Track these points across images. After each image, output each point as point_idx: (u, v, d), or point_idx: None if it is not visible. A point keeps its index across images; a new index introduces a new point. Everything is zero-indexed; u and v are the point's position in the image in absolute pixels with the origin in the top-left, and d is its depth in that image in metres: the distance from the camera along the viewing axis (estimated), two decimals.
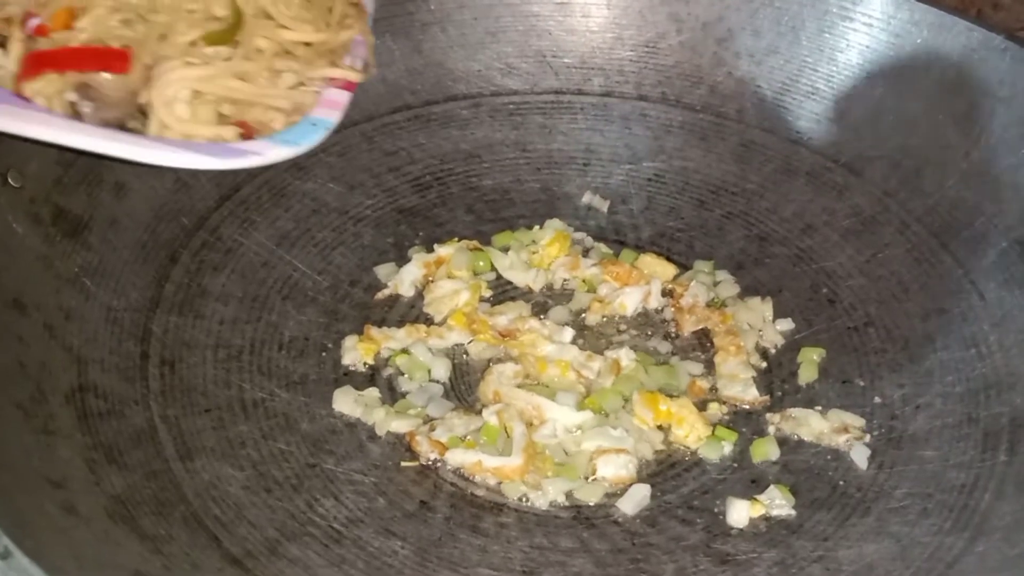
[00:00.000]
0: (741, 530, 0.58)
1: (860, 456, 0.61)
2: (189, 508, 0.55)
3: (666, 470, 0.61)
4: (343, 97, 0.60)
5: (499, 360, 0.65)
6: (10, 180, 0.63)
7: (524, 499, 0.58)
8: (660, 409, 0.62)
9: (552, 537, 0.57)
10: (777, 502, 0.58)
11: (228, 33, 0.58)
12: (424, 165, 0.80)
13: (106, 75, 0.56)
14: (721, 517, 0.58)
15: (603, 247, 0.74)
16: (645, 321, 0.69)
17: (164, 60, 0.56)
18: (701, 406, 0.64)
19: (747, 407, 0.64)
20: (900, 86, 0.78)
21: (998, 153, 0.72)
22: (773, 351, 0.68)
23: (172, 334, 0.65)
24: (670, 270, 0.73)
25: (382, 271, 0.72)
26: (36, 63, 0.56)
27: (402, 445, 0.61)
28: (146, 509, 0.54)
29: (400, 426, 0.61)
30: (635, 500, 0.59)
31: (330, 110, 0.59)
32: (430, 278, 0.71)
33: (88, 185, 0.67)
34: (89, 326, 0.61)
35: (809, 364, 0.67)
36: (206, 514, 0.55)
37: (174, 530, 0.53)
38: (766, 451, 0.62)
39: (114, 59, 0.56)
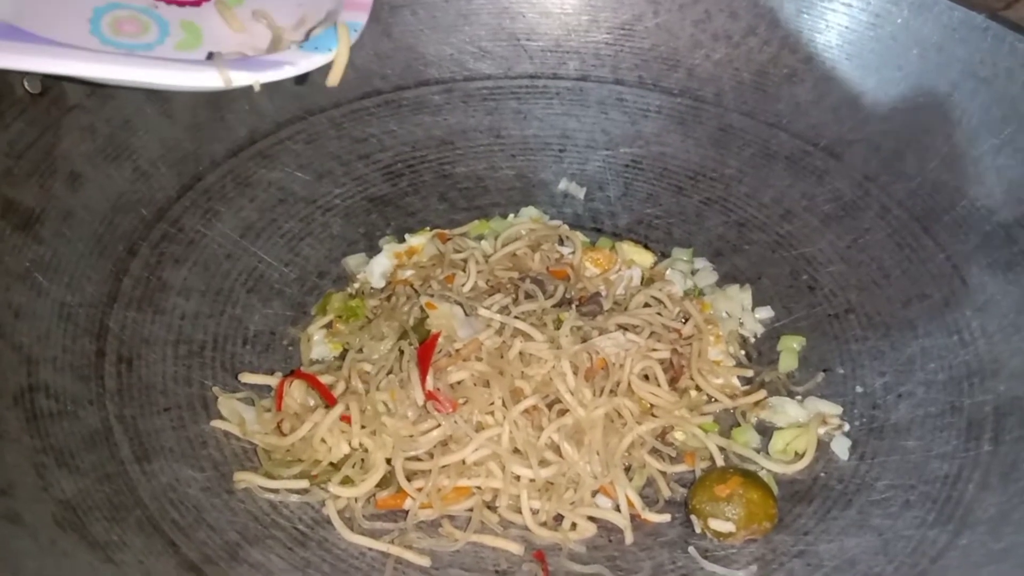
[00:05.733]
0: None
1: (841, 447, 0.60)
2: (145, 512, 0.53)
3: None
4: None
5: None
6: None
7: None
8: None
9: (528, 536, 0.55)
10: None
11: None
12: (395, 152, 0.77)
13: None
14: None
15: (580, 235, 0.72)
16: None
17: None
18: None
19: (726, 396, 0.63)
20: (880, 67, 0.76)
21: (980, 134, 0.71)
22: (753, 340, 0.67)
23: (130, 330, 0.62)
24: (648, 258, 0.71)
25: (352, 262, 0.70)
26: None
27: None
28: (98, 515, 0.52)
29: None
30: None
31: (357, 12, 0.57)
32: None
33: (40, 176, 0.64)
34: (41, 323, 0.59)
35: (789, 353, 0.66)
36: (163, 518, 0.53)
37: (128, 536, 0.51)
38: (746, 440, 0.61)
39: None
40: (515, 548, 0.54)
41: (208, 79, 0.52)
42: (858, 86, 0.77)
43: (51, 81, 0.65)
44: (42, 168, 0.64)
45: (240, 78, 0.52)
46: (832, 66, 0.78)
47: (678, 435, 0.61)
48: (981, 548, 0.52)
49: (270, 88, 0.75)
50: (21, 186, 0.62)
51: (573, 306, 0.66)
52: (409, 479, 0.56)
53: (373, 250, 0.71)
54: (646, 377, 0.62)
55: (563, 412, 0.58)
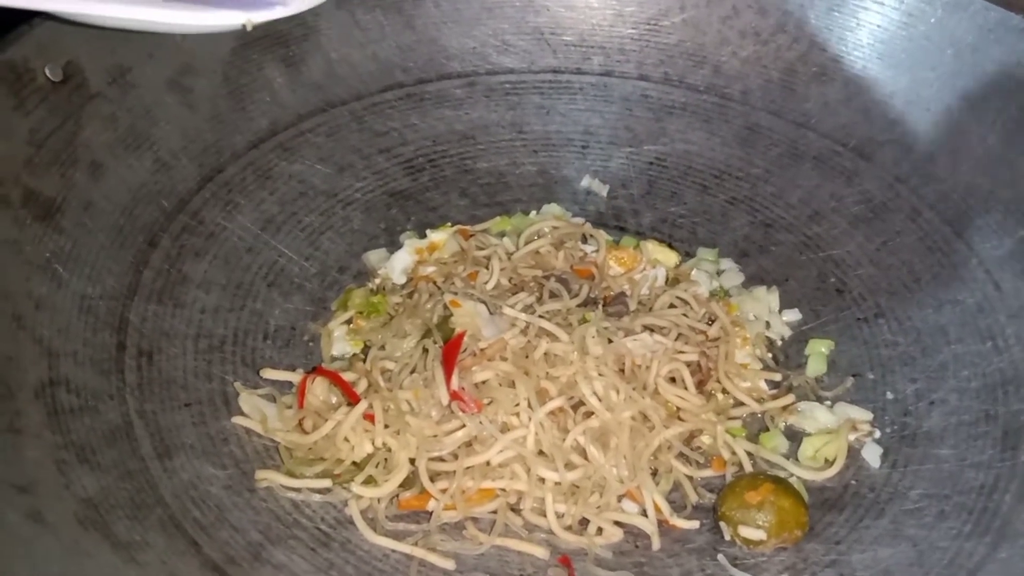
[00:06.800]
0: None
1: (872, 454, 0.59)
2: (167, 511, 0.52)
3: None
4: None
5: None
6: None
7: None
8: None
9: (553, 540, 0.54)
10: None
11: None
12: (416, 147, 0.76)
13: None
14: None
15: (604, 233, 0.71)
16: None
17: None
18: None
19: (754, 400, 0.62)
20: (913, 67, 0.75)
21: (1015, 137, 0.69)
22: (780, 343, 0.66)
23: (150, 323, 0.61)
24: (673, 257, 0.70)
25: (372, 257, 0.69)
26: None
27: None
28: (120, 513, 0.51)
29: None
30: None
31: None
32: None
33: (61, 165, 0.63)
34: (61, 316, 0.58)
35: (817, 357, 0.65)
36: (185, 517, 0.52)
37: (150, 535, 0.50)
38: (774, 445, 0.60)
39: None
40: (540, 552, 0.54)
41: (199, 18, 0.52)
42: (889, 86, 0.75)
43: (72, 68, 0.64)
44: (63, 157, 0.63)
45: (231, 17, 0.52)
46: (863, 65, 0.76)
47: (705, 439, 0.60)
48: (1022, 563, 0.51)
49: (291, 79, 0.76)
50: (42, 175, 0.61)
51: (599, 306, 0.65)
52: (433, 480, 0.55)
53: (394, 245, 0.70)
54: (672, 379, 0.61)
55: (589, 414, 0.57)
